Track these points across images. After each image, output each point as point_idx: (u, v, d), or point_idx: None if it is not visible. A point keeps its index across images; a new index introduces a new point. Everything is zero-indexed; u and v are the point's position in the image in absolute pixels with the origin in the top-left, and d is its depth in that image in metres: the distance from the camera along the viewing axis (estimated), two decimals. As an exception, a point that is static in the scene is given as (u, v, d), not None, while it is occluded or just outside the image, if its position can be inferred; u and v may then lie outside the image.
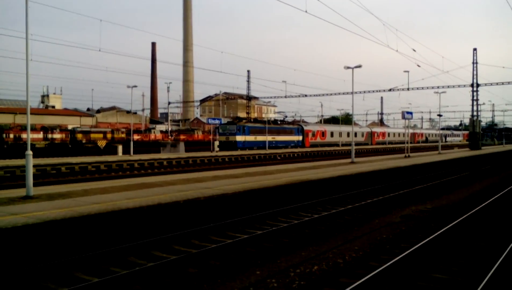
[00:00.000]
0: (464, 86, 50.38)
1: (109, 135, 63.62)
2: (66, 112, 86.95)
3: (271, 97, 70.47)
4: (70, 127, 66.29)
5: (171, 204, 10.06)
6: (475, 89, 48.92)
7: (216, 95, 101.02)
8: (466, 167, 27.14)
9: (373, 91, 60.04)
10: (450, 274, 6.81)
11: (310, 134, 60.57)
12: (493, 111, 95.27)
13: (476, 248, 8.32)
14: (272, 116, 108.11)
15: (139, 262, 7.45)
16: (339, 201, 13.65)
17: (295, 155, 43.51)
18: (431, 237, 8.39)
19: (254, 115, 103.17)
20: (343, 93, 57.59)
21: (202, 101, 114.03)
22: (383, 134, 79.16)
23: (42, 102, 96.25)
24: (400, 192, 15.23)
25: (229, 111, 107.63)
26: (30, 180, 10.64)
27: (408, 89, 51.12)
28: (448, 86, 50.28)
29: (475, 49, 48.65)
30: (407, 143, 36.33)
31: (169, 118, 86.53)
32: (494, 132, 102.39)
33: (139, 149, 43.24)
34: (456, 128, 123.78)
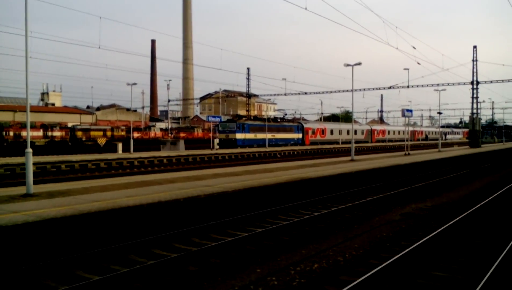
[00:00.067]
0: (464, 83, 50.38)
1: (109, 133, 63.65)
2: (66, 110, 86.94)
3: (271, 95, 70.64)
4: (70, 124, 66.29)
5: (171, 202, 10.07)
6: (475, 86, 48.87)
7: (216, 92, 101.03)
8: (466, 165, 27.14)
9: (373, 89, 60.11)
10: (450, 272, 6.82)
11: (310, 132, 60.57)
12: (493, 108, 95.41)
13: (476, 246, 8.32)
14: (272, 113, 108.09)
15: (139, 260, 7.46)
16: (339, 199, 13.65)
17: (295, 153, 43.51)
18: (431, 235, 8.39)
19: (254, 113, 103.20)
20: (343, 91, 57.64)
21: (202, 98, 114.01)
22: (383, 132, 79.15)
23: (42, 99, 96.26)
24: (400, 190, 15.24)
25: (229, 109, 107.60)
26: (30, 178, 10.64)
27: (408, 86, 51.07)
28: (448, 84, 50.26)
29: (475, 47, 48.60)
30: (407, 141, 36.34)
31: (169, 115, 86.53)
32: (494, 130, 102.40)
33: (139, 147, 43.25)
34: (456, 126, 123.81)
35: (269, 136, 51.82)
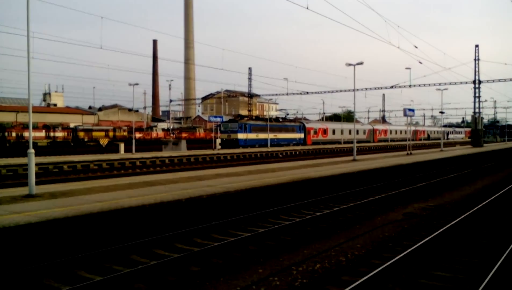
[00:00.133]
0: (466, 83, 50.23)
1: (111, 133, 63.76)
2: (68, 110, 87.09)
3: (272, 95, 70.62)
4: (72, 125, 66.41)
5: (173, 202, 10.07)
6: (477, 86, 48.75)
7: (217, 92, 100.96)
8: (468, 165, 27.09)
9: (375, 88, 59.91)
10: (453, 271, 6.81)
11: (311, 132, 60.54)
12: (495, 108, 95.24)
13: (479, 246, 8.31)
14: (273, 113, 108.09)
15: (141, 261, 7.47)
16: (341, 199, 13.64)
17: (297, 153, 43.49)
18: (433, 235, 8.37)
19: (255, 112, 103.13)
20: (345, 90, 57.55)
21: (204, 98, 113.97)
22: (385, 131, 79.06)
23: (44, 100, 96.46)
24: (402, 190, 15.21)
25: (230, 109, 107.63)
26: (32, 178, 10.66)
27: (410, 86, 50.96)
28: (450, 83, 50.15)
29: (477, 46, 48.50)
30: (409, 140, 36.29)
31: (171, 116, 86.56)
32: (496, 129, 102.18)
33: (141, 147, 43.33)
34: (458, 125, 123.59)
35: (271, 136, 51.80)
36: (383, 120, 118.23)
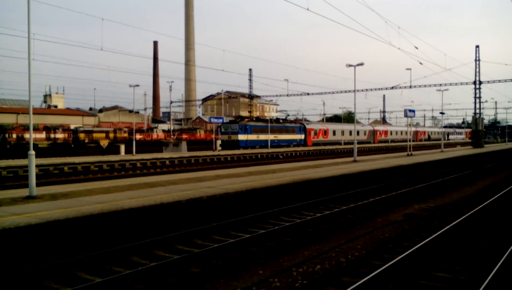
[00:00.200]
0: (467, 83, 50.23)
1: (111, 135, 63.78)
2: (68, 112, 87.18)
3: (273, 96, 70.53)
4: (72, 126, 66.40)
5: (174, 203, 10.07)
6: (477, 86, 48.73)
7: (218, 94, 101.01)
8: (468, 165, 27.07)
9: (375, 89, 59.94)
10: (453, 273, 6.80)
11: (312, 133, 60.53)
12: (495, 108, 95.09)
13: (479, 247, 8.30)
14: (274, 114, 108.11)
15: (142, 262, 7.47)
16: (342, 200, 13.64)
17: (298, 154, 43.48)
18: (434, 236, 8.37)
19: (256, 113, 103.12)
20: (345, 91, 57.49)
21: (204, 100, 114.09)
22: (386, 132, 79.04)
23: (45, 101, 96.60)
24: (403, 191, 15.20)
25: (231, 110, 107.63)
26: (33, 180, 10.66)
27: (410, 87, 50.94)
28: (451, 84, 50.14)
29: (477, 46, 48.49)
30: (410, 141, 36.26)
31: (171, 117, 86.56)
32: (497, 129, 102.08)
33: (141, 149, 43.34)
34: (458, 126, 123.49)
35: (271, 137, 51.79)
36: (384, 121, 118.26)
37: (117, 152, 37.49)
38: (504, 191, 14.76)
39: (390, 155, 32.92)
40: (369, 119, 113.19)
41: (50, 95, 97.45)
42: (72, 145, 57.73)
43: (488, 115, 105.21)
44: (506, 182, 18.72)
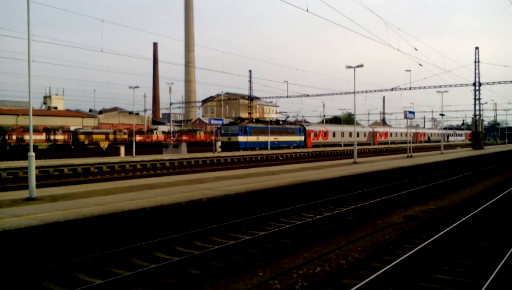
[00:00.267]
0: (467, 85, 50.27)
1: (111, 136, 63.79)
2: (68, 113, 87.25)
3: (273, 97, 70.53)
4: (72, 128, 66.48)
5: (174, 205, 10.07)
6: (477, 88, 48.77)
7: (218, 95, 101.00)
8: (468, 167, 27.07)
9: (375, 91, 59.98)
10: (453, 275, 6.79)
11: (312, 134, 60.55)
12: (495, 110, 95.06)
13: (480, 249, 8.29)
14: (274, 116, 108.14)
15: (141, 264, 7.46)
16: (342, 202, 13.63)
17: (297, 155, 43.48)
18: (434, 238, 8.36)
19: (256, 115, 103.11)
20: (345, 93, 57.46)
21: (204, 101, 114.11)
22: (385, 134, 79.08)
23: (45, 103, 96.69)
24: (403, 192, 15.20)
25: (231, 112, 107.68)
26: (32, 181, 10.66)
27: (410, 88, 51.06)
28: (450, 85, 50.20)
29: (477, 48, 48.53)
30: (409, 143, 36.28)
31: (171, 118, 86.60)
32: (496, 131, 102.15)
33: (141, 150, 43.36)
34: (458, 128, 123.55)
35: (271, 138, 51.80)
36: (384, 122, 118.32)
37: (117, 153, 37.46)
38: (504, 193, 14.75)
39: (390, 157, 32.92)
40: (369, 120, 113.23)
41: (50, 97, 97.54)
42: (72, 147, 57.78)
43: (488, 117, 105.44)
44: (506, 184, 18.71)
